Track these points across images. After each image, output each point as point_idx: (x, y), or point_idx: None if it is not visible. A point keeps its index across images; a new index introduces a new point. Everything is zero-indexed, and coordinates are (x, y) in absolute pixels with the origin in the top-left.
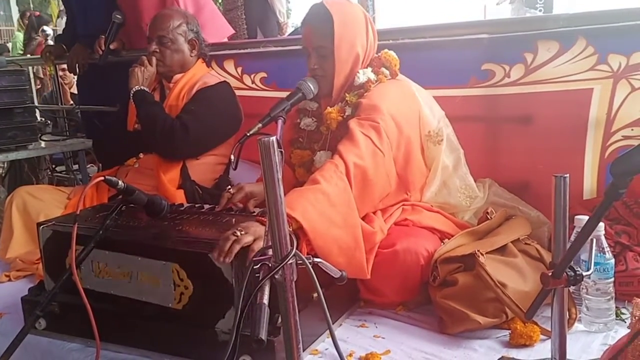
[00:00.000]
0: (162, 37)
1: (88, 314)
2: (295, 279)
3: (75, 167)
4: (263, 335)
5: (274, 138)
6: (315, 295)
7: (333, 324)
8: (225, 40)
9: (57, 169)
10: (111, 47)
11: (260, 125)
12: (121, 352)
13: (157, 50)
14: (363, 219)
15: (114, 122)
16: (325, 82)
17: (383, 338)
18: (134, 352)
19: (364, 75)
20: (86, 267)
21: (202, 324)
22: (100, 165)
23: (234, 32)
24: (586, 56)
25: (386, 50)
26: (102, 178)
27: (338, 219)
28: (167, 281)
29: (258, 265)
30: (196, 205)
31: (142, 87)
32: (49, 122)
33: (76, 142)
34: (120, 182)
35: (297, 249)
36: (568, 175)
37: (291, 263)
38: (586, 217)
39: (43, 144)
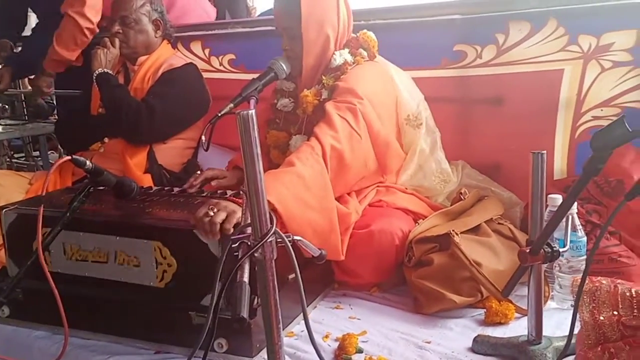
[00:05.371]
0: (125, 18)
1: (55, 299)
2: (275, 257)
3: (36, 153)
4: (245, 314)
5: (252, 111)
6: (290, 276)
7: (307, 306)
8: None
9: (15, 155)
10: None
11: (231, 105)
12: (90, 339)
13: (120, 31)
14: (337, 200)
15: (77, 106)
16: (297, 63)
17: (359, 319)
18: (103, 339)
19: (341, 57)
20: (56, 250)
21: (187, 300)
22: (62, 150)
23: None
24: (557, 37)
25: (365, 30)
26: (69, 157)
27: (313, 202)
28: (149, 260)
29: (237, 244)
30: (166, 188)
31: (105, 69)
32: (7, 106)
33: (37, 127)
34: (88, 162)
35: None
36: (545, 152)
37: (271, 241)
38: (559, 196)
39: (1, 129)
